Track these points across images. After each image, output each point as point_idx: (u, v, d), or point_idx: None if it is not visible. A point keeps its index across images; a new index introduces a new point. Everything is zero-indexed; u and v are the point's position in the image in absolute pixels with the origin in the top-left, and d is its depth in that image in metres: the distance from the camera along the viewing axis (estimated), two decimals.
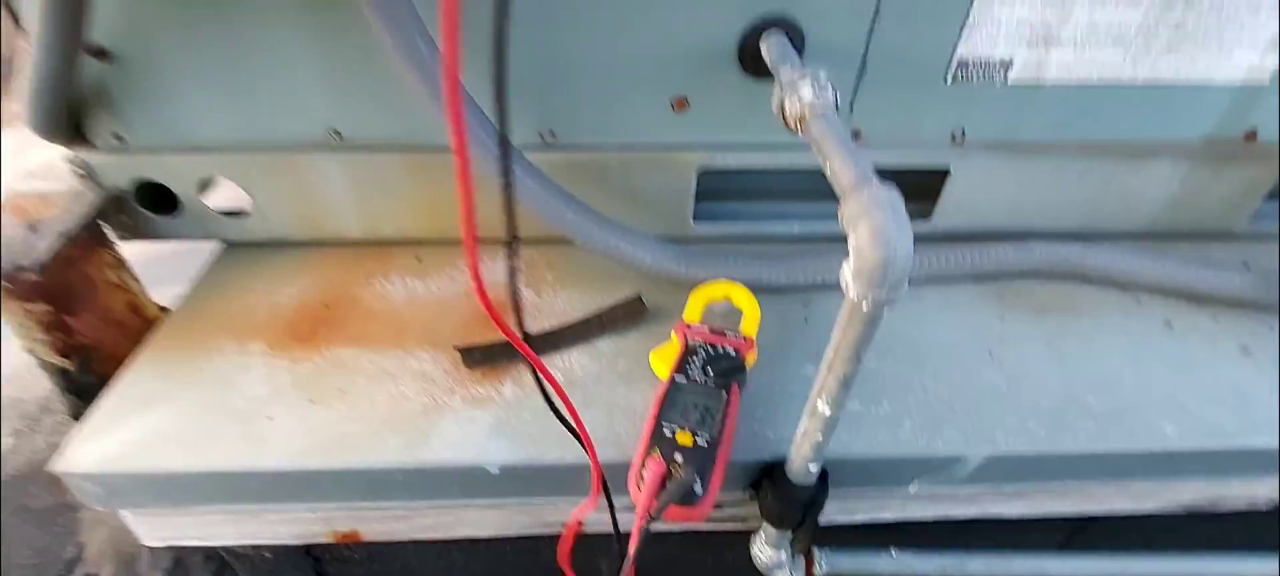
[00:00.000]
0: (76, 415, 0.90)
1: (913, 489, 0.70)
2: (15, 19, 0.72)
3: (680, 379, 0.67)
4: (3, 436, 1.26)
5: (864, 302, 0.46)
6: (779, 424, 0.68)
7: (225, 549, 0.84)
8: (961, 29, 0.73)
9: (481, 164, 0.67)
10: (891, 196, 0.45)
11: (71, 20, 0.65)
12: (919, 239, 0.88)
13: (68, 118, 0.78)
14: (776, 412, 0.69)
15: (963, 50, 0.75)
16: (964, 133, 0.82)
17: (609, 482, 0.62)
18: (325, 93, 0.77)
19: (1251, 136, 0.83)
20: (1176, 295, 0.84)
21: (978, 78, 0.77)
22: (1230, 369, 0.75)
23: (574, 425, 0.59)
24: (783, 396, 0.71)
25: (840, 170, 0.50)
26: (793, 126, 0.60)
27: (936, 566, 0.81)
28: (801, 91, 0.59)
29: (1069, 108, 0.80)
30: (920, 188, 0.88)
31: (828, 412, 0.54)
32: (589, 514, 0.64)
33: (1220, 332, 0.79)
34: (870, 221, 0.44)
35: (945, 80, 0.77)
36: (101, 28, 0.71)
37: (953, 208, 0.88)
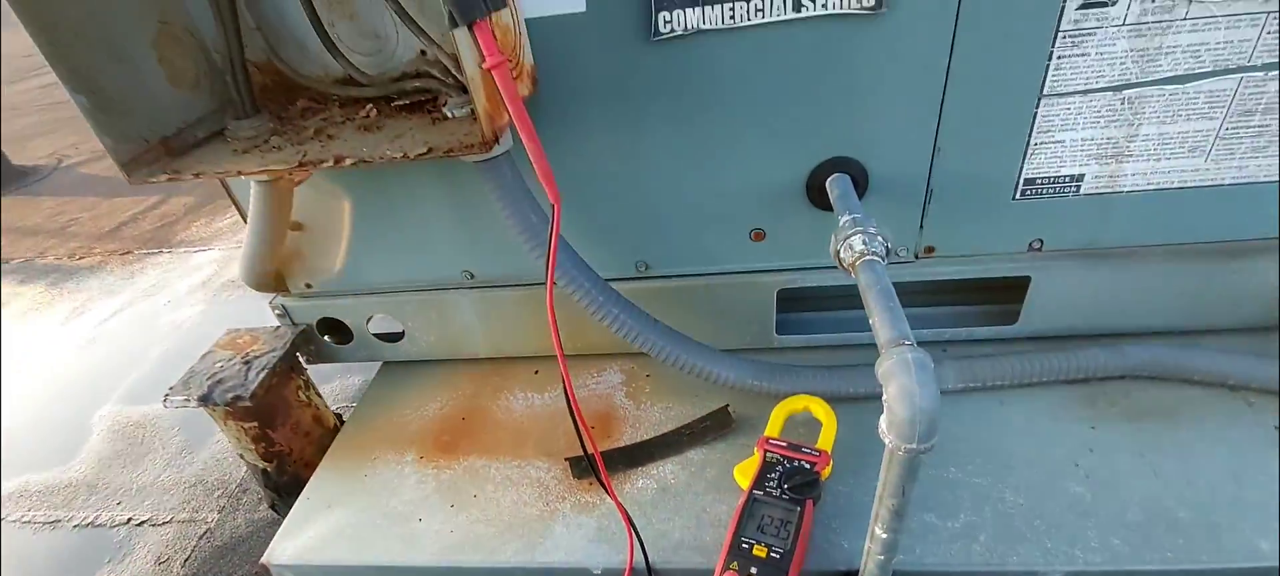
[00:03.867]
0: (272, 505, 1.12)
1: None
2: (235, 205, 0.96)
3: (758, 493, 0.74)
4: (212, 512, 1.54)
5: (899, 452, 0.52)
6: (854, 534, 0.73)
7: None
8: (1024, 153, 0.77)
9: (578, 299, 0.79)
10: (920, 359, 0.52)
11: (280, 209, 0.87)
12: (1004, 342, 0.91)
13: (274, 276, 1.01)
14: (852, 523, 0.74)
15: (1028, 170, 0.79)
16: (1042, 243, 0.84)
17: None
18: (458, 243, 0.95)
19: None
20: None
21: (1048, 193, 0.80)
22: None
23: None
24: (859, 507, 0.76)
25: (879, 327, 0.57)
26: (847, 271, 0.67)
27: None
28: (853, 242, 0.66)
29: (1151, 213, 0.80)
30: (1006, 291, 0.90)
31: (885, 536, 0.59)
32: None
33: None
34: (898, 382, 0.51)
35: (1014, 198, 0.80)
36: (296, 207, 0.93)
37: (1039, 312, 0.89)
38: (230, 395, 0.96)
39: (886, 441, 0.52)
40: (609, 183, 0.86)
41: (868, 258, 0.65)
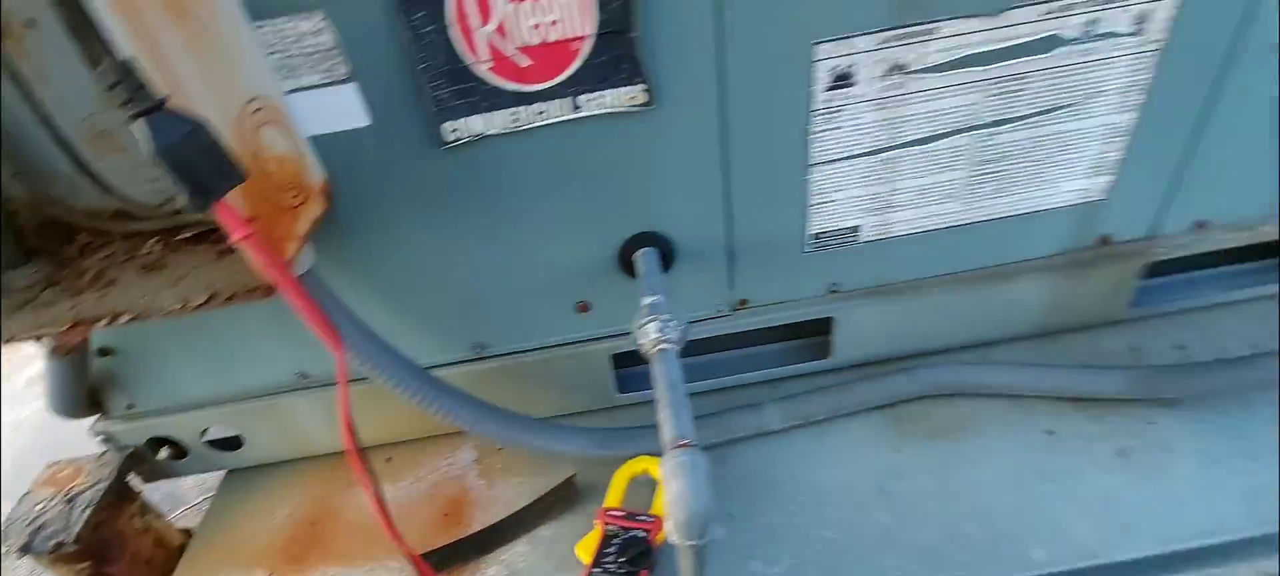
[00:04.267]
0: None
1: None
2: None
3: (597, 569, 0.77)
4: None
5: (683, 546, 0.56)
6: None
7: None
8: (806, 213, 0.84)
9: (406, 396, 0.79)
10: (695, 462, 0.56)
11: (74, 350, 0.82)
12: (819, 375, 0.97)
13: (87, 399, 0.95)
14: (721, 570, 0.79)
15: (814, 227, 0.86)
16: (838, 286, 0.92)
17: None
18: (287, 345, 0.92)
19: (1105, 241, 0.91)
20: (1060, 399, 0.91)
21: (834, 244, 0.87)
22: (1105, 478, 0.81)
23: None
24: (731, 549, 0.80)
25: (662, 424, 0.61)
26: (644, 355, 0.71)
27: None
28: (649, 330, 0.70)
29: (923, 252, 0.89)
30: (816, 331, 0.97)
31: None
32: None
33: (1099, 436, 0.86)
34: (676, 486, 0.55)
35: (805, 251, 0.87)
36: (101, 335, 0.88)
37: (847, 344, 0.97)
38: (52, 542, 0.90)
39: (671, 538, 0.56)
40: (429, 274, 0.86)
41: (661, 346, 0.69)
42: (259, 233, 0.52)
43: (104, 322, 0.63)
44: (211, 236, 0.72)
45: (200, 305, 0.62)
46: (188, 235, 0.73)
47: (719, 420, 0.93)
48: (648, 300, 0.74)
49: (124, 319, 0.62)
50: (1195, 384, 0.86)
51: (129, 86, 0.46)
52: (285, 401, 0.97)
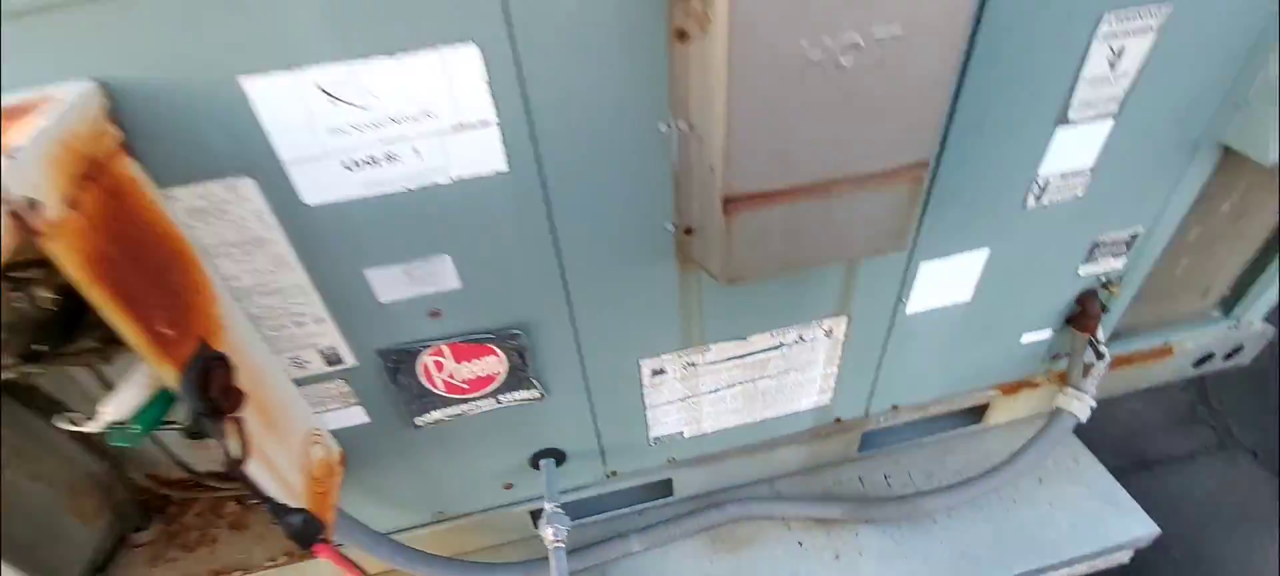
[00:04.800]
0: None
1: None
2: None
3: None
4: None
5: None
6: None
7: None
8: (648, 428, 1.35)
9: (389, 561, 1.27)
10: None
11: None
12: (670, 505, 1.50)
13: None
14: None
15: (654, 433, 1.37)
16: (675, 459, 1.44)
17: None
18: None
19: (839, 421, 1.46)
20: (808, 519, 1.47)
21: (668, 439, 1.39)
22: (825, 573, 1.38)
23: None
24: None
25: None
26: (547, 548, 1.21)
27: None
28: (546, 532, 1.20)
29: (723, 437, 1.42)
30: (662, 485, 1.50)
31: None
32: None
33: (826, 544, 1.42)
34: None
35: (650, 444, 1.39)
36: None
37: (681, 488, 1.51)
38: None
39: None
40: (407, 481, 1.32)
41: (556, 546, 1.19)
42: (332, 549, 0.98)
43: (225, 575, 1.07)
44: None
45: (283, 563, 1.07)
46: (254, 500, 1.16)
47: (599, 547, 1.45)
48: (548, 507, 1.23)
49: (237, 574, 1.06)
50: (880, 511, 1.44)
51: (248, 488, 0.90)
52: None
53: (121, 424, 0.76)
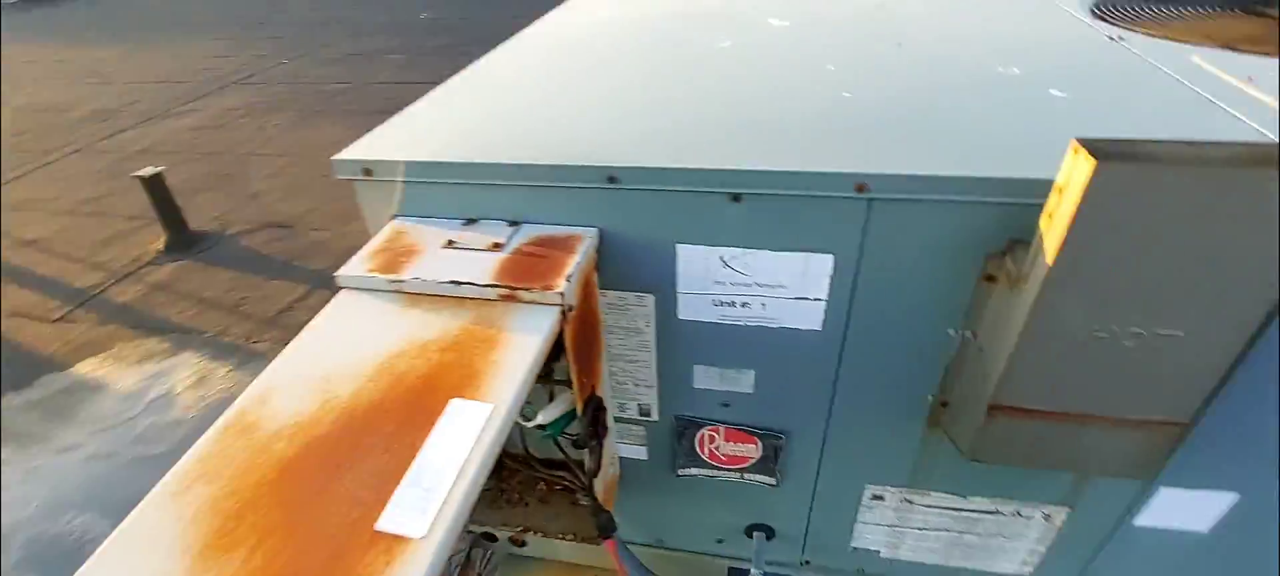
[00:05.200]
0: None
1: None
2: None
3: None
4: None
5: None
6: None
7: None
8: (851, 537, 1.56)
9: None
10: None
11: None
12: None
13: None
14: None
15: (856, 542, 1.58)
16: (865, 571, 1.63)
17: None
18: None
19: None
20: None
21: (866, 553, 1.59)
22: None
23: None
24: None
25: None
26: None
27: None
28: None
29: (918, 571, 1.58)
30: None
31: None
32: None
33: None
34: None
35: (849, 550, 1.60)
36: None
37: None
38: None
39: None
40: (655, 513, 1.67)
41: None
42: (618, 544, 1.34)
43: (529, 530, 1.48)
44: (570, 493, 1.57)
45: (569, 537, 1.45)
46: (559, 487, 1.58)
47: None
48: (754, 573, 1.51)
49: (538, 533, 1.47)
50: None
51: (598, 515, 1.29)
52: None
53: (542, 426, 1.18)
